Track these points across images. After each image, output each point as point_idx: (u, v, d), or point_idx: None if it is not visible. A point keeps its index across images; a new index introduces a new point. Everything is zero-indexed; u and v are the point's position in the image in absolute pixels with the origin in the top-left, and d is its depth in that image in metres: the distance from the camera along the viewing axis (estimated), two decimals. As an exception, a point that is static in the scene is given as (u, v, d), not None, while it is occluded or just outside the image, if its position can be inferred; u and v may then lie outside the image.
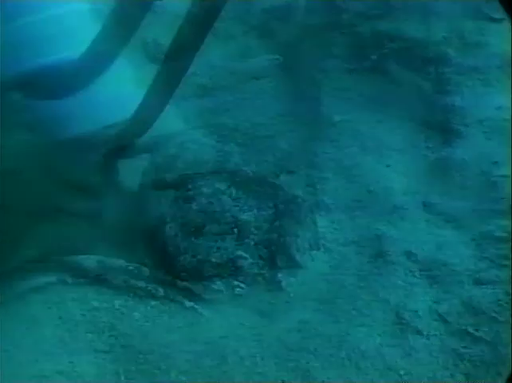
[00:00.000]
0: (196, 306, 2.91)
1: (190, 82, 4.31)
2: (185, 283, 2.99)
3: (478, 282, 2.84)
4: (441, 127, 4.14)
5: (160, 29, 4.62)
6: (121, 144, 3.23)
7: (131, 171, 3.56)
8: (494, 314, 2.63)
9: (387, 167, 3.99)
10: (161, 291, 2.96)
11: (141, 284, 2.97)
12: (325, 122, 4.23)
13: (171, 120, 4.07)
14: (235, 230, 3.10)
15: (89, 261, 3.01)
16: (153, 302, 2.91)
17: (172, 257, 3.08)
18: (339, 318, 2.75)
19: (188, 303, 2.93)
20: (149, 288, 2.96)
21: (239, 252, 3.07)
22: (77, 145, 3.77)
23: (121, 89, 4.01)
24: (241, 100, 4.30)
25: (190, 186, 3.15)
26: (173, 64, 3.00)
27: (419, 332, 2.57)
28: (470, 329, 2.56)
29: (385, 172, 3.94)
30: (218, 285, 3.04)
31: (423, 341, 2.56)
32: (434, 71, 4.29)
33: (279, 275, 3.10)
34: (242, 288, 3.04)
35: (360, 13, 4.61)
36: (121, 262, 3.01)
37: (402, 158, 4.03)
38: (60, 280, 2.97)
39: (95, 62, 3.12)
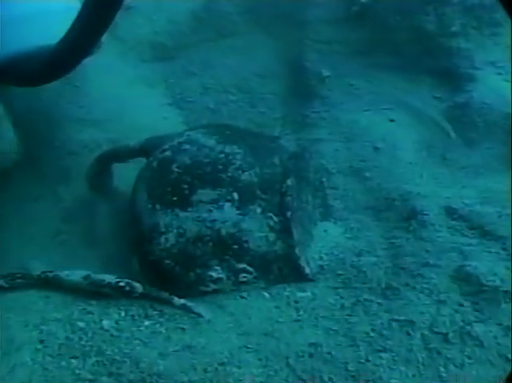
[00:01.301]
0: (195, 327, 2.53)
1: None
2: (182, 301, 2.61)
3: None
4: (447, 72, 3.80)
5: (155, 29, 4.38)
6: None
7: (125, 176, 3.25)
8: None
9: (391, 121, 3.72)
10: (156, 310, 2.60)
11: (133, 302, 2.60)
12: (312, 78, 3.95)
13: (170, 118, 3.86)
14: (237, 235, 2.69)
15: (75, 277, 2.62)
16: (147, 322, 2.55)
17: (168, 271, 2.69)
18: (356, 341, 2.33)
19: (186, 323, 2.55)
20: (142, 306, 2.60)
21: (242, 265, 2.67)
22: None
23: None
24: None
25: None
26: None
27: (450, 359, 2.14)
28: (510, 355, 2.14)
29: (390, 128, 3.68)
30: (219, 302, 2.66)
31: (455, 370, 2.13)
32: (433, 12, 3.88)
33: (287, 290, 2.72)
34: (245, 306, 2.63)
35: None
36: (111, 278, 2.62)
37: (406, 111, 3.77)
38: (41, 298, 2.59)
39: (71, 51, 2.73)
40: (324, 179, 3.29)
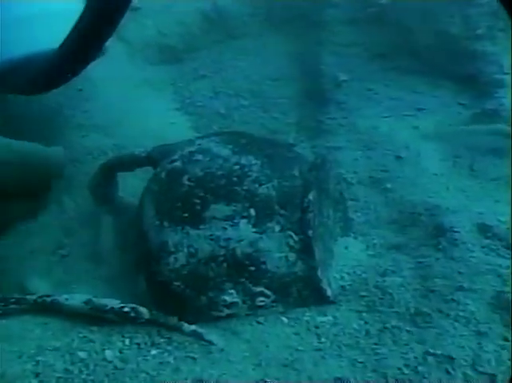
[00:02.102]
0: (206, 356, 2.25)
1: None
2: (193, 327, 2.34)
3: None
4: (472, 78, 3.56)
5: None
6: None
7: (132, 186, 3.03)
8: None
9: (414, 129, 3.47)
10: (164, 337, 2.32)
11: (139, 329, 2.32)
12: (328, 82, 3.74)
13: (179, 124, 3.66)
14: (253, 255, 2.40)
15: (75, 301, 2.34)
16: (154, 351, 2.27)
17: (178, 294, 2.41)
18: (388, 379, 2.04)
19: (196, 352, 2.27)
20: (149, 334, 2.32)
21: (259, 288, 2.38)
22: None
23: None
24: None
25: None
26: None
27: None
28: None
29: (413, 135, 3.42)
30: (233, 328, 2.38)
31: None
32: (458, 13, 3.65)
33: (306, 314, 2.45)
34: (262, 332, 2.36)
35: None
36: (114, 303, 2.34)
37: (430, 118, 3.51)
38: (38, 325, 2.31)
39: (71, 57, 2.48)
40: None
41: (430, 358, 2.10)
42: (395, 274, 2.60)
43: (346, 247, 2.78)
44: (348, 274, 2.64)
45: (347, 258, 2.71)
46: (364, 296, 2.52)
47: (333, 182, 2.81)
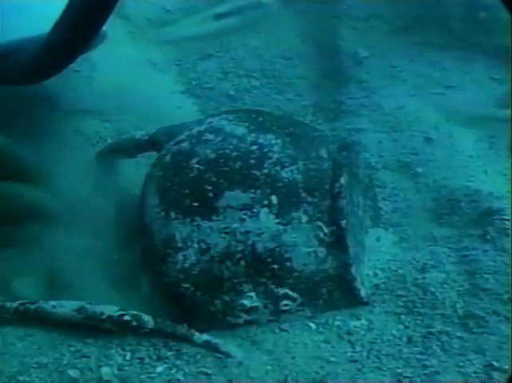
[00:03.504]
0: (222, 371, 1.89)
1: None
2: (206, 337, 1.97)
3: None
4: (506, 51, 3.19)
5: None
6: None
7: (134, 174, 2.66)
8: None
9: (443, 108, 3.08)
10: (172, 350, 1.94)
11: (142, 340, 1.94)
12: (347, 60, 3.42)
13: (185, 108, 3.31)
14: (276, 251, 2.02)
15: (65, 309, 1.94)
16: (160, 368, 1.89)
17: (188, 298, 2.03)
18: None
19: (210, 366, 1.90)
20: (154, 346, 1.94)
21: (283, 290, 1.98)
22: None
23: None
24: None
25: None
26: None
27: None
28: None
29: (443, 115, 3.04)
30: (253, 337, 2.00)
31: None
32: None
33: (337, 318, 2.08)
34: (286, 341, 1.98)
35: None
36: (112, 310, 1.94)
37: (461, 96, 3.15)
38: (21, 337, 1.91)
39: (62, 46, 2.21)
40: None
41: (495, 374, 1.69)
42: (437, 270, 2.22)
43: (378, 239, 2.39)
44: (382, 270, 2.26)
45: (380, 252, 2.32)
46: (401, 295, 2.14)
47: (363, 165, 2.40)
